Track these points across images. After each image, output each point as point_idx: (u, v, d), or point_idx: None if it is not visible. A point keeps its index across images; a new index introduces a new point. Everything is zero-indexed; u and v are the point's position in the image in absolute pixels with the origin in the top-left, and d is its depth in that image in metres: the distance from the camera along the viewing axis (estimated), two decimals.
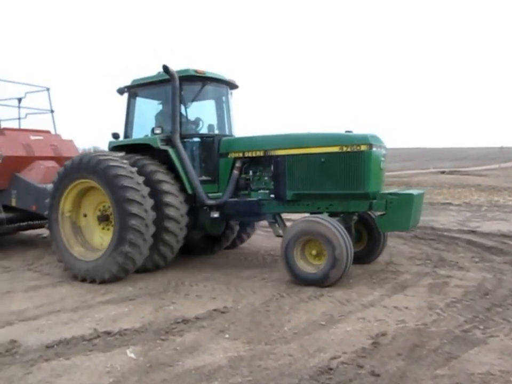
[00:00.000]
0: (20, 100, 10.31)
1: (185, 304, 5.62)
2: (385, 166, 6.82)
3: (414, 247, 9.08)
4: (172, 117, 7.15)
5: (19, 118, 10.47)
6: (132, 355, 4.20)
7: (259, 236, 10.17)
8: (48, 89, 10.58)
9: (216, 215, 7.18)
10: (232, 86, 8.16)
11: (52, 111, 10.74)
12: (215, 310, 5.31)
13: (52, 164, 9.46)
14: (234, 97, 8.29)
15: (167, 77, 7.19)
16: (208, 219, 7.32)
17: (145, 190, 6.67)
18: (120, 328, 4.83)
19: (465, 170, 46.31)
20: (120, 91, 7.92)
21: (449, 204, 17.17)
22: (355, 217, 7.03)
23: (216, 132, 7.96)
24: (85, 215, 7.38)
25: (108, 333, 4.69)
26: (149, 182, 6.85)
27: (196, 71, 7.35)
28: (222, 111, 8.14)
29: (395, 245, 9.18)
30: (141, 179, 6.72)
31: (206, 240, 8.39)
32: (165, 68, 7.05)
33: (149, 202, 6.65)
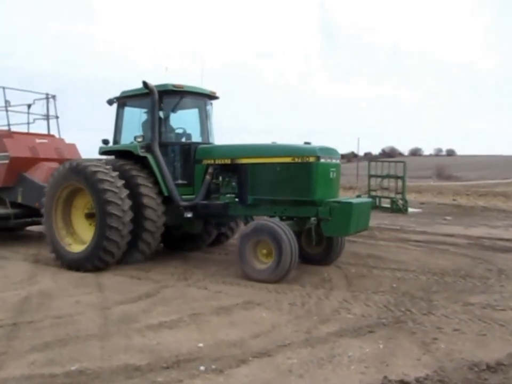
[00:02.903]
0: (29, 106, 11.45)
1: (456, 343, 4.42)
2: (337, 176, 7.34)
3: None
4: (151, 127, 8.13)
5: (28, 123, 11.63)
6: None
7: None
8: (54, 97, 11.72)
9: (189, 215, 8.03)
10: (211, 97, 8.99)
11: (57, 117, 11.86)
12: None
13: (55, 165, 10.22)
14: (217, 106, 9.12)
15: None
16: (184, 219, 8.13)
17: (124, 193, 7.59)
18: (410, 376, 3.68)
19: None
20: (110, 102, 8.78)
21: None
22: (314, 221, 7.32)
23: (195, 140, 8.79)
24: (77, 210, 8.31)
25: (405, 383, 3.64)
26: (129, 185, 7.76)
27: (174, 85, 8.21)
28: (201, 120, 9.00)
29: None
30: (120, 182, 7.64)
31: (188, 237, 9.26)
32: (144, 84, 7.98)
33: (127, 203, 7.55)
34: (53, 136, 11.75)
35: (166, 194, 8.02)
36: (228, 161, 7.93)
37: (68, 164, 8.15)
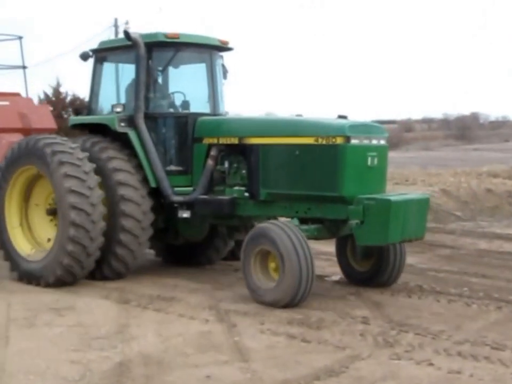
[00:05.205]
0: None
1: None
2: (381, 164, 6.58)
3: None
4: (135, 92, 7.21)
5: None
6: None
7: None
8: (20, 38, 10.63)
9: (185, 214, 7.16)
10: (222, 48, 7.78)
11: (24, 67, 10.72)
12: None
13: (17, 137, 9.11)
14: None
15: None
16: (178, 220, 7.25)
17: (94, 181, 6.86)
18: None
19: None
20: (84, 56, 7.81)
21: None
22: (357, 225, 6.16)
23: (197, 110, 7.69)
24: (37, 205, 7.75)
25: None
26: (104, 170, 6.97)
27: (166, 35, 7.26)
28: (205, 83, 7.82)
29: None
30: (90, 167, 6.86)
31: (196, 247, 8.05)
32: (126, 34, 7.10)
33: (97, 194, 6.83)
34: (17, 95, 10.55)
35: (153, 185, 7.15)
36: (235, 141, 7.06)
37: (25, 142, 7.38)
